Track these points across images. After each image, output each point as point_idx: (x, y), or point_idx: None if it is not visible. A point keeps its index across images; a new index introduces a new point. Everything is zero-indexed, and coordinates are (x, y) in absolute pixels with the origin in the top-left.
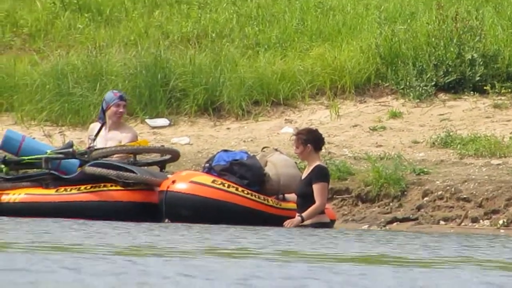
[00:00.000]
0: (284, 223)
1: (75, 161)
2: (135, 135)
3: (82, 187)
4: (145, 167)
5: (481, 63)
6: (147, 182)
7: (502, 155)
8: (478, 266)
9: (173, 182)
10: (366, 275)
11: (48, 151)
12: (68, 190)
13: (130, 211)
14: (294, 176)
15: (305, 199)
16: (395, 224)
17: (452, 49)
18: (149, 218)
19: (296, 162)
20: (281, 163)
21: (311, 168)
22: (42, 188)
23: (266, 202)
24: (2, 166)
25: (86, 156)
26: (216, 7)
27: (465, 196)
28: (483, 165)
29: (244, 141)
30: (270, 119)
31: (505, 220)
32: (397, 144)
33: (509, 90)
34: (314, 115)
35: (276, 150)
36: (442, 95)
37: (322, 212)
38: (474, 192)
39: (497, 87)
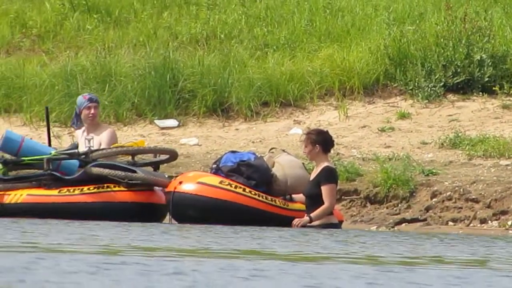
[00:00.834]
0: (292, 223)
1: (75, 162)
2: (112, 132)
3: (85, 188)
4: (144, 168)
5: (489, 63)
6: (153, 183)
7: (511, 155)
8: None
9: (180, 183)
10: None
11: (53, 151)
12: (71, 191)
13: (133, 211)
14: (302, 177)
15: (314, 200)
16: (403, 225)
17: (461, 49)
18: (150, 219)
19: (303, 163)
20: (288, 164)
21: (319, 169)
22: (44, 189)
23: (273, 203)
24: (0, 166)
25: (85, 157)
26: (225, 8)
27: (473, 197)
28: (491, 166)
29: (253, 142)
30: (279, 120)
31: None
32: (406, 145)
33: None
34: (323, 116)
35: (283, 151)
36: (450, 96)
37: (330, 213)
38: (483, 193)
39: (505, 87)
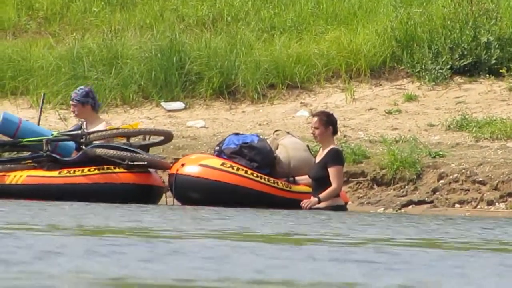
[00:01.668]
0: (301, 203)
1: (72, 144)
2: (105, 125)
3: (86, 169)
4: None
5: (496, 46)
6: (157, 165)
7: None
8: None
9: (183, 165)
10: None
11: (54, 132)
12: (72, 172)
13: (134, 193)
14: (305, 159)
15: (320, 182)
16: (410, 207)
17: (467, 32)
18: (147, 200)
19: (308, 146)
20: (292, 146)
21: (326, 151)
22: (44, 170)
23: (276, 185)
24: None
25: (84, 139)
26: None
27: (480, 179)
28: (498, 148)
29: (260, 124)
30: (286, 102)
31: None
32: (413, 127)
33: None
34: (330, 98)
35: (288, 133)
36: (457, 78)
37: (337, 195)
38: (490, 175)
39: None
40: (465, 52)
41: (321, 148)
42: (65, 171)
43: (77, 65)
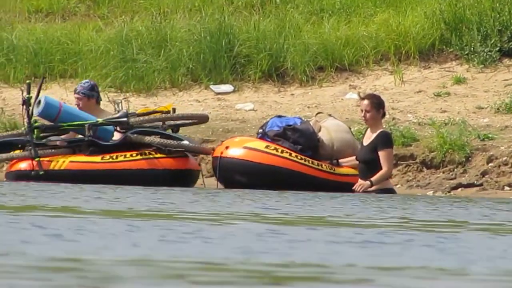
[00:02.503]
0: (354, 187)
1: (111, 129)
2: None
3: (128, 154)
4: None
5: None
6: (200, 151)
7: None
8: None
9: (227, 147)
10: None
11: (100, 119)
12: (114, 157)
13: (174, 177)
14: (348, 141)
15: (369, 165)
16: (459, 190)
17: None
18: (185, 184)
19: (349, 128)
20: (335, 128)
21: (375, 134)
22: (86, 156)
23: (320, 167)
24: (35, 130)
25: (125, 124)
26: None
27: None
28: None
29: (308, 107)
30: (334, 85)
31: None
32: (462, 109)
33: None
34: (378, 81)
35: (330, 115)
36: (506, 61)
37: (388, 178)
38: None
39: None
40: None
41: (369, 131)
42: (107, 156)
43: (126, 48)
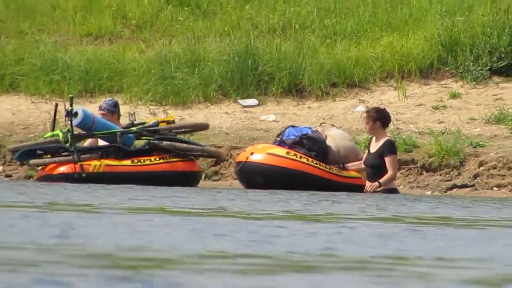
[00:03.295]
0: (365, 188)
1: (132, 136)
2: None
3: (152, 158)
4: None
5: None
6: (219, 156)
7: None
8: None
9: (252, 153)
10: None
11: (134, 128)
12: (142, 161)
13: (188, 179)
14: (351, 148)
15: (376, 170)
16: (454, 190)
17: (504, 37)
18: (191, 184)
19: (357, 136)
20: (339, 136)
21: (380, 142)
22: (117, 160)
23: (331, 170)
24: (61, 137)
25: (153, 132)
26: (299, 1)
27: None
28: None
29: (323, 118)
30: (346, 99)
31: None
32: (457, 120)
33: None
34: (384, 96)
35: (332, 125)
36: (495, 78)
37: (393, 180)
38: None
39: None
40: (502, 55)
41: (374, 140)
42: (135, 160)
43: (165, 67)
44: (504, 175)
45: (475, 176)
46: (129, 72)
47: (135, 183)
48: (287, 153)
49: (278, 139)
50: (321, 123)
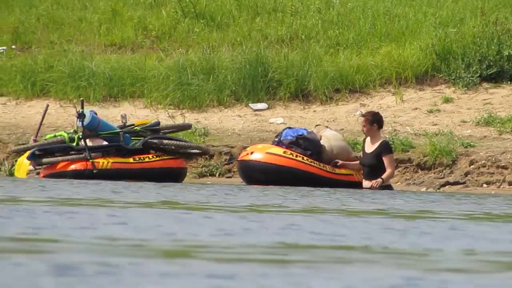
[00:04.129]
0: (371, 184)
1: (129, 136)
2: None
3: (150, 156)
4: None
5: None
6: (204, 150)
7: None
8: None
9: (252, 152)
10: None
11: (137, 127)
12: (142, 158)
13: (177, 175)
14: (344, 147)
15: (373, 169)
16: (447, 187)
17: (493, 47)
18: (179, 180)
19: (357, 137)
20: (333, 137)
21: (377, 143)
22: (121, 157)
23: (325, 168)
24: (67, 136)
25: (154, 132)
26: (305, 14)
27: (503, 164)
28: None
29: (327, 121)
30: (348, 103)
31: None
32: (449, 123)
33: None
34: (383, 100)
35: (326, 127)
36: (485, 84)
37: (391, 177)
38: (511, 161)
39: None
40: (491, 63)
41: (369, 141)
42: (137, 157)
43: (182, 74)
44: (493, 173)
45: (466, 174)
46: (149, 79)
47: (136, 180)
48: (284, 152)
49: (276, 139)
50: (316, 125)
